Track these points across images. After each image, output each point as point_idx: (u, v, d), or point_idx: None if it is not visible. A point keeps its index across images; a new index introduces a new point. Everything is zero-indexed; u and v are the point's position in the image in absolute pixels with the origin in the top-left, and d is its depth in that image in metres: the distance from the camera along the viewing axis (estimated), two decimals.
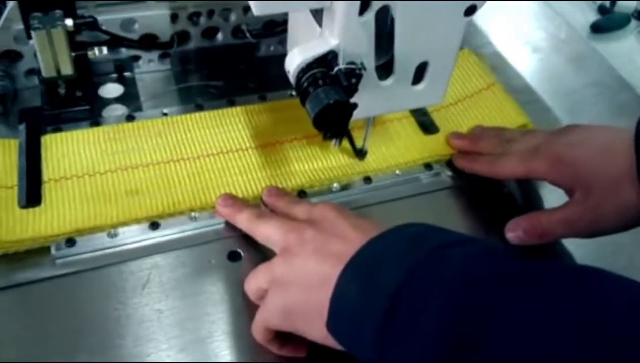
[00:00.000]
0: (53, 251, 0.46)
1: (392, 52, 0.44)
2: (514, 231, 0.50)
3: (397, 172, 0.55)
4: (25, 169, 0.50)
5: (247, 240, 0.49)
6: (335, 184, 0.53)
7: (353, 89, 0.43)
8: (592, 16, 0.80)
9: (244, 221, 0.47)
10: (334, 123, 0.42)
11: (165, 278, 0.46)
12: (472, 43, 0.70)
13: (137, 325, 0.43)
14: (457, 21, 0.44)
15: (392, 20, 0.42)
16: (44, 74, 0.51)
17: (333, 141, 0.54)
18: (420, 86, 0.48)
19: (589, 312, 0.30)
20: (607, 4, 0.81)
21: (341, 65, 0.42)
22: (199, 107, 0.58)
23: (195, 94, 0.60)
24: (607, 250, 0.52)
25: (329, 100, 0.40)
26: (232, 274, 0.47)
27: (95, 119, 0.55)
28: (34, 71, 0.56)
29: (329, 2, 0.40)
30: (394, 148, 0.56)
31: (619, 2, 0.81)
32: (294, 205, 0.47)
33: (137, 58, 0.60)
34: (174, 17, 0.58)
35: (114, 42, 0.56)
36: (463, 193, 0.55)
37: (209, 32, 0.61)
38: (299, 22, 0.47)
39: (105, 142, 0.53)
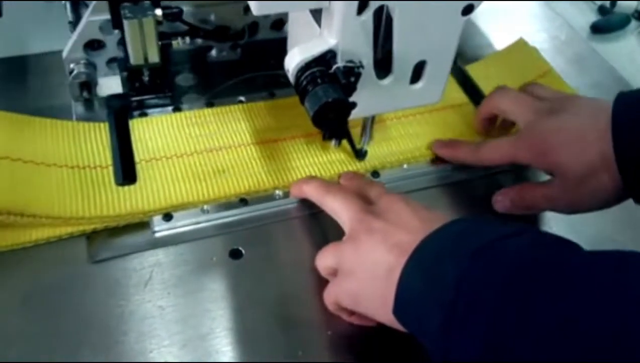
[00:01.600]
0: (152, 225, 0.49)
1: (387, 47, 0.45)
2: (502, 201, 0.53)
3: (405, 166, 0.57)
4: (118, 150, 0.53)
5: (250, 238, 0.49)
6: (405, 166, 0.56)
7: (352, 88, 0.43)
8: (592, 17, 0.80)
9: (312, 191, 0.49)
10: (332, 121, 0.43)
11: (168, 275, 0.46)
12: (473, 44, 0.71)
13: (139, 321, 0.44)
14: (455, 21, 0.45)
15: (390, 19, 0.43)
16: (133, 61, 0.53)
17: (333, 142, 0.54)
18: (418, 85, 0.48)
19: None
20: (607, 4, 0.81)
21: (340, 64, 0.43)
22: (272, 95, 0.61)
23: (263, 83, 0.62)
24: (606, 248, 0.53)
25: (328, 98, 0.41)
26: (233, 272, 0.47)
27: (176, 106, 0.58)
28: (115, 60, 0.58)
29: (328, 2, 0.41)
30: (458, 133, 0.59)
31: (618, 3, 0.81)
32: (367, 187, 0.49)
33: (209, 48, 0.62)
34: (246, 9, 0.61)
35: (192, 32, 0.59)
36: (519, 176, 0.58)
37: (277, 24, 0.64)
38: (299, 22, 0.48)
39: (189, 126, 0.56)
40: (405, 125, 0.59)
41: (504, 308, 0.33)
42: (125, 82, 0.58)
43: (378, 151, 0.57)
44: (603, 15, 0.80)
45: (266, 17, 0.62)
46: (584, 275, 0.33)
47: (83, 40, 0.55)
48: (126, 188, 0.50)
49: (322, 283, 0.46)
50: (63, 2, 0.59)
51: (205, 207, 0.50)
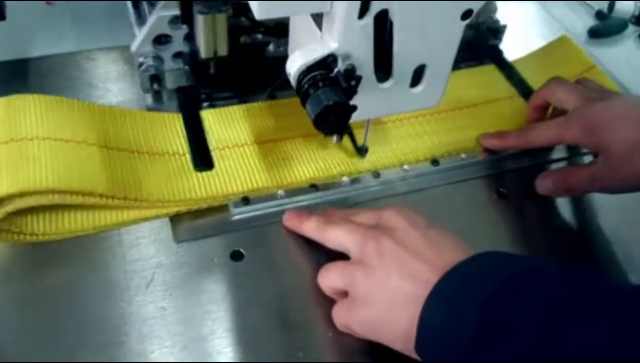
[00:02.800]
0: (230, 208, 0.51)
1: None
2: (544, 183, 0.55)
3: (463, 156, 0.59)
4: (194, 138, 0.56)
5: (251, 240, 0.50)
6: (462, 155, 0.58)
7: (352, 91, 0.44)
8: (590, 21, 0.81)
9: (312, 228, 0.49)
10: (333, 124, 0.43)
11: (169, 277, 0.47)
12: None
13: (140, 322, 0.44)
14: (454, 25, 0.45)
15: (391, 23, 0.43)
16: (204, 55, 0.55)
17: (335, 138, 0.55)
18: (418, 89, 0.49)
19: None
20: (605, 9, 0.82)
21: (341, 67, 0.43)
22: None
23: None
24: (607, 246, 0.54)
25: (329, 101, 0.41)
26: (234, 273, 0.48)
27: (241, 98, 0.61)
28: (180, 55, 0.60)
29: (329, 6, 0.41)
30: (510, 123, 0.62)
31: (616, 8, 0.81)
32: (353, 216, 0.48)
33: (267, 43, 0.63)
34: None
35: (254, 28, 0.60)
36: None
37: None
38: (300, 26, 0.48)
39: (256, 117, 0.59)
40: (462, 117, 0.62)
41: (530, 341, 0.34)
42: (188, 75, 0.60)
43: (435, 140, 0.59)
44: (600, 20, 0.81)
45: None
46: (615, 307, 0.34)
47: (153, 34, 0.57)
48: (205, 173, 0.53)
49: None
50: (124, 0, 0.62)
51: (279, 192, 0.53)
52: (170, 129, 0.56)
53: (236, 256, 0.49)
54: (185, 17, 0.54)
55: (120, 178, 0.50)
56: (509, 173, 0.59)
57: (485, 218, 0.55)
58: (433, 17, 0.44)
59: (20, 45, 0.64)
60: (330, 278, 0.45)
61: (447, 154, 0.58)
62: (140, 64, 0.58)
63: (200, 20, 0.52)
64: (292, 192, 0.53)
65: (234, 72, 0.61)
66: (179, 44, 0.58)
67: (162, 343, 0.43)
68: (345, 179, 0.55)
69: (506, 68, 0.69)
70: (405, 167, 0.57)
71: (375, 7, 0.41)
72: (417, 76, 0.48)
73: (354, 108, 0.45)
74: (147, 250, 0.48)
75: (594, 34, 0.78)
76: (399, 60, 0.46)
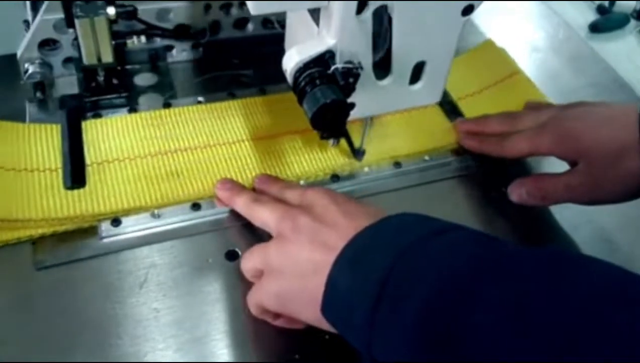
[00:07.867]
0: (100, 230, 0.48)
1: (386, 48, 0.44)
2: (517, 191, 0.52)
3: (426, 158, 0.57)
4: (69, 153, 0.52)
5: (246, 239, 0.49)
6: (365, 169, 0.55)
7: (350, 89, 0.43)
8: (591, 16, 0.80)
9: (242, 204, 0.48)
10: (331, 123, 0.42)
11: (163, 277, 0.46)
12: (471, 42, 0.70)
13: (134, 324, 0.43)
14: (454, 21, 0.44)
15: (389, 19, 0.42)
16: (85, 61, 0.53)
17: (331, 141, 0.54)
18: (417, 86, 0.48)
19: (577, 300, 0.30)
20: (606, 4, 0.81)
21: (338, 64, 0.42)
22: (232, 95, 0.60)
23: (226, 83, 0.62)
24: (604, 247, 0.53)
25: (326, 99, 0.40)
26: (229, 273, 0.47)
27: (132, 106, 0.58)
28: (71, 60, 0.57)
29: (326, 1, 0.40)
30: (421, 134, 0.58)
31: (617, 2, 0.81)
32: (286, 190, 0.48)
33: (170, 48, 0.62)
34: (207, 8, 0.60)
35: (150, 31, 0.58)
36: (487, 178, 0.57)
37: (240, 23, 0.63)
38: (297, 22, 0.47)
39: (144, 128, 0.55)
40: (391, 125, 0.59)
41: (432, 304, 0.33)
42: (80, 82, 0.57)
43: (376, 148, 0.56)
44: (602, 14, 0.80)
45: (228, 15, 0.62)
46: (519, 268, 0.33)
47: (37, 39, 0.54)
48: (75, 191, 0.49)
49: None
50: (22, 1, 0.57)
51: (156, 212, 0.49)
52: (47, 143, 0.52)
53: (231, 255, 0.48)
54: (69, 21, 0.50)
55: None
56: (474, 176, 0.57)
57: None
58: (433, 12, 0.43)
59: None
60: (250, 258, 0.44)
61: (347, 167, 0.55)
62: (26, 71, 0.54)
63: (77, 25, 0.49)
64: (172, 212, 0.50)
65: (127, 79, 0.58)
66: (68, 48, 0.55)
67: (156, 346, 0.42)
68: None
69: None
70: (366, 169, 0.55)
71: (373, 3, 0.40)
72: (417, 72, 0.47)
73: (352, 106, 0.44)
74: (140, 250, 0.47)
75: (595, 28, 0.78)
76: (398, 56, 0.45)
